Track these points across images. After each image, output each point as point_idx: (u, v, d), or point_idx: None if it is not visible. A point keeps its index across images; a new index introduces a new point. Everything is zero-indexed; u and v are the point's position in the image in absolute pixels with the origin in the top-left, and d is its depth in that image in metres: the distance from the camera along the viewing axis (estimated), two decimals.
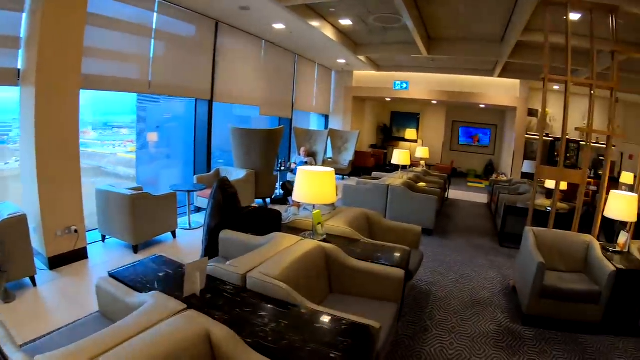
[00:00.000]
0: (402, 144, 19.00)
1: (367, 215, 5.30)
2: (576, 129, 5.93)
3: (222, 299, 2.70)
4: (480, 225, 9.16)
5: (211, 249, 4.44)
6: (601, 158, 14.62)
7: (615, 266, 4.35)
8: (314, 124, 16.07)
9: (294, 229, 4.42)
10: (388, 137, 19.35)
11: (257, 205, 5.02)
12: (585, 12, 5.96)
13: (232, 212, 4.58)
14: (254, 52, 10.53)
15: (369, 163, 15.41)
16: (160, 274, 3.04)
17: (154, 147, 9.25)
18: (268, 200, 9.40)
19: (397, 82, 14.74)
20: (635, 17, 6.36)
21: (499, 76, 12.83)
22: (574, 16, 6.82)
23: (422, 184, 9.03)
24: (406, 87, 14.58)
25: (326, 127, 15.73)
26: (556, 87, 13.91)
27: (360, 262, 3.72)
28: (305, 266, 3.36)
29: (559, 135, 14.84)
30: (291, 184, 9.83)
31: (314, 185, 3.96)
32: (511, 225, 7.65)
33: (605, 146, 14.01)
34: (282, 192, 10.05)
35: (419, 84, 14.67)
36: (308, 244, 3.67)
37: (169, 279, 2.97)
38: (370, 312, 3.12)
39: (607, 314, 4.40)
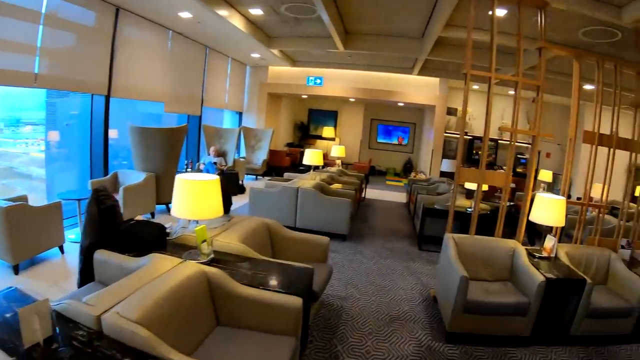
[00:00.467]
0: (319, 142, 18.51)
1: (268, 226, 4.57)
2: (501, 128, 5.50)
3: (72, 349, 2.10)
4: (399, 227, 8.70)
5: (86, 272, 3.56)
6: (519, 156, 14.80)
7: (544, 275, 4.03)
8: (227, 121, 15.13)
9: (181, 246, 3.62)
10: (305, 135, 18.78)
11: (140, 219, 4.15)
12: (512, 7, 5.58)
13: (109, 227, 3.72)
14: (159, 43, 9.58)
15: (284, 162, 14.72)
16: (7, 315, 2.30)
17: (58, 147, 8.37)
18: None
19: (310, 78, 14.14)
20: (563, 14, 6.13)
21: (419, 74, 12.60)
22: (500, 12, 6.49)
23: (336, 185, 8.47)
24: (320, 83, 14.01)
25: (240, 125, 14.91)
26: (476, 87, 13.91)
27: (250, 289, 2.98)
28: (180, 299, 2.65)
29: (477, 134, 14.98)
30: None
31: (195, 197, 3.23)
32: (430, 228, 7.25)
33: (525, 145, 14.23)
34: None
35: (336, 81, 14.15)
36: (187, 269, 2.95)
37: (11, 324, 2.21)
38: (260, 353, 2.67)
39: (537, 325, 4.11)
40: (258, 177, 13.65)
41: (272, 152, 14.82)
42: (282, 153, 14.97)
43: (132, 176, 7.45)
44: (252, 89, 14.90)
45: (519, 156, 14.84)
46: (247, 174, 13.35)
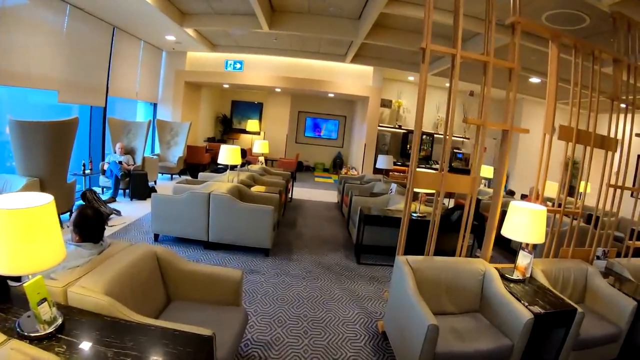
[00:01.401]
0: (243, 136, 17.13)
1: (158, 258, 3.23)
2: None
3: None
4: (332, 235, 7.57)
5: None
6: (455, 151, 14.13)
7: (530, 310, 3.10)
8: (141, 114, 13.47)
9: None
10: (228, 129, 17.34)
11: None
12: None
13: None
14: (52, 19, 7.90)
15: (204, 159, 13.26)
16: None
17: None
18: (64, 217, 6.95)
19: (229, 62, 12.70)
20: None
21: (352, 62, 11.52)
22: None
23: (258, 188, 7.24)
24: (240, 68, 12.60)
25: (154, 117, 13.29)
26: (411, 78, 13.04)
27: None
28: None
29: (412, 128, 14.12)
30: (95, 193, 7.53)
31: (13, 238, 1.85)
32: (369, 236, 6.18)
33: (460, 139, 13.49)
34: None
35: (260, 69, 12.82)
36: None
37: None
38: None
39: None
40: (174, 176, 12.15)
41: (190, 149, 13.34)
42: (202, 149, 13.48)
43: (12, 182, 5.94)
44: (168, 78, 13.24)
45: (455, 150, 14.17)
46: (162, 174, 11.84)
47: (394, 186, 7.67)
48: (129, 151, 9.98)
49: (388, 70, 12.47)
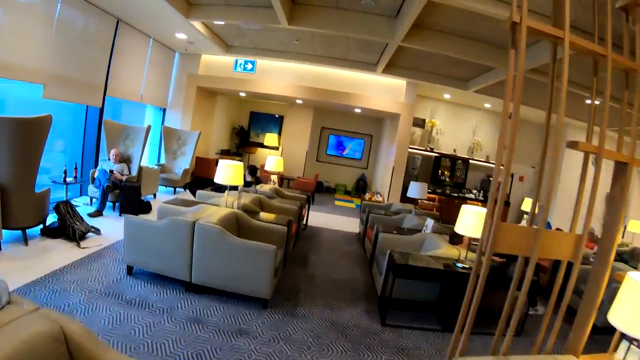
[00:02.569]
0: (260, 150, 15.85)
1: (67, 342, 1.85)
2: (575, 145, 2.82)
3: None
4: (351, 279, 6.12)
5: None
6: (492, 179, 12.60)
7: None
8: (150, 120, 12.28)
9: None
10: (244, 141, 16.08)
11: None
12: None
13: None
14: (44, 5, 6.83)
15: (213, 174, 11.93)
16: None
17: None
18: (35, 231, 5.72)
19: (239, 62, 11.28)
20: None
21: (383, 72, 10.11)
22: None
23: (264, 216, 5.87)
24: (252, 70, 11.16)
25: (162, 123, 12.09)
26: (447, 96, 11.64)
27: None
28: None
29: (445, 151, 12.72)
30: (70, 206, 6.29)
31: None
32: (400, 288, 4.78)
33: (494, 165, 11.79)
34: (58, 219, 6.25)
35: (280, 76, 11.51)
36: None
37: None
38: None
39: None
40: (178, 190, 10.88)
41: (199, 161, 12.11)
42: (211, 162, 12.20)
43: None
44: (179, 81, 12.04)
45: (491, 179, 12.65)
46: (165, 186, 10.58)
47: (430, 222, 6.21)
48: (125, 159, 8.75)
49: (422, 86, 11.07)
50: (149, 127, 8.83)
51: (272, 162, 8.42)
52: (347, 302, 5.16)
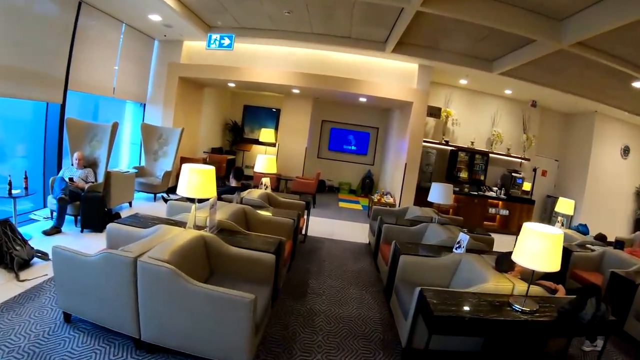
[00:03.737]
0: (256, 147, 14.45)
1: None
2: None
3: None
4: (363, 315, 4.69)
5: None
6: (514, 175, 11.23)
7: None
8: (130, 117, 10.86)
9: None
10: (238, 138, 14.67)
11: None
12: None
13: None
14: None
15: None
16: None
17: None
18: None
19: (212, 37, 8.93)
20: None
21: (394, 52, 8.53)
22: None
23: (245, 239, 4.37)
24: (229, 46, 8.83)
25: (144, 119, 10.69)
26: (463, 82, 10.21)
27: None
28: None
29: (461, 144, 11.26)
30: (9, 225, 5.07)
31: None
32: (432, 339, 3.36)
33: (518, 159, 10.57)
34: None
35: (272, 62, 10.08)
36: None
37: None
38: None
39: None
40: (160, 195, 9.58)
41: (185, 162, 10.69)
42: (198, 162, 10.81)
43: None
44: (159, 72, 10.61)
45: (513, 175, 11.25)
46: (144, 192, 9.21)
47: (464, 238, 4.76)
48: (91, 163, 7.43)
49: (436, 70, 9.57)
50: (115, 125, 7.44)
51: (262, 162, 7.01)
52: (357, 351, 3.78)
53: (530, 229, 3.32)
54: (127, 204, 8.33)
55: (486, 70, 8.51)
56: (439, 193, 6.22)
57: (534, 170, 11.93)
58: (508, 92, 10.76)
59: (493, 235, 6.62)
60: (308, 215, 7.39)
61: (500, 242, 6.86)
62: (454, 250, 4.84)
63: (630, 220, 12.08)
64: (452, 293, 3.57)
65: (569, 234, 7.56)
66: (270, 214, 5.60)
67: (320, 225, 8.70)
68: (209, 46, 8.28)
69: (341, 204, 12.06)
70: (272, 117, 14.53)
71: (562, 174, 12.17)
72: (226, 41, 8.12)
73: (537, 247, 3.21)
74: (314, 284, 5.40)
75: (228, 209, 4.91)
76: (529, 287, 3.47)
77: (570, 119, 11.94)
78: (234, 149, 14.53)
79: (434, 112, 10.41)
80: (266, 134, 13.46)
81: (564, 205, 7.95)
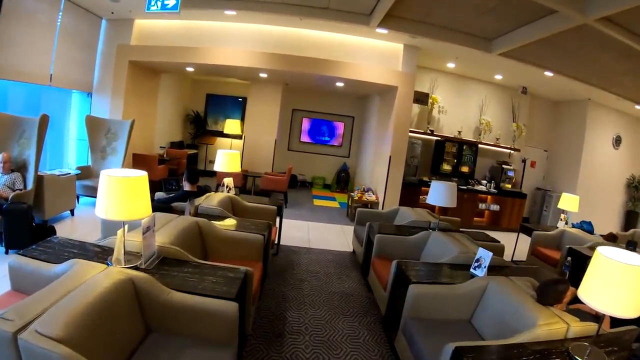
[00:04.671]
0: (221, 140, 13.17)
1: None
2: None
3: None
4: (358, 356, 3.62)
5: None
6: (504, 167, 10.29)
7: None
8: (76, 109, 9.45)
9: None
10: (201, 130, 13.35)
11: None
12: None
13: None
14: None
15: (155, 174, 9.24)
16: None
17: None
18: None
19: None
20: None
21: (380, 26, 7.12)
22: None
23: (192, 281, 3.00)
24: (174, 8, 6.46)
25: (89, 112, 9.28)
26: (451, 65, 9.16)
27: None
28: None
29: (447, 134, 10.19)
30: None
31: None
32: None
33: (507, 150, 9.75)
34: None
35: (237, 41, 8.73)
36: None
37: None
38: None
39: None
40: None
41: (137, 159, 9.41)
42: (152, 159, 9.48)
43: None
44: (107, 56, 9.16)
45: (504, 167, 10.29)
46: (90, 196, 7.89)
47: (485, 256, 3.67)
48: (20, 166, 6.10)
49: (423, 53, 8.46)
50: (43, 118, 6.10)
51: (223, 159, 5.77)
52: None
53: (609, 258, 2.24)
54: (69, 212, 7.05)
55: (484, 50, 7.37)
56: (441, 194, 5.08)
57: (523, 161, 11.01)
58: (498, 77, 9.75)
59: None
60: (280, 221, 6.20)
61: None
62: (471, 270, 3.76)
63: (620, 212, 11.38)
64: (498, 349, 2.47)
65: (575, 234, 6.67)
66: (234, 228, 4.39)
67: (295, 230, 7.55)
68: (148, 9, 6.64)
69: (316, 202, 10.91)
70: (237, 106, 13.23)
71: (551, 165, 11.33)
72: (170, 1, 6.54)
73: (619, 283, 2.17)
74: (293, 316, 4.23)
75: (176, 226, 3.67)
76: (597, 333, 2.41)
77: (560, 107, 11.10)
78: (196, 143, 13.21)
79: (421, 98, 9.24)
80: (231, 125, 12.18)
81: (567, 202, 7.05)
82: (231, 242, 4.17)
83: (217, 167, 5.78)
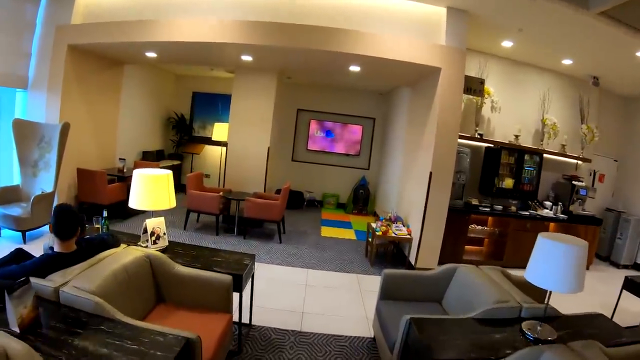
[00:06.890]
0: (209, 149, 10.74)
1: None
2: None
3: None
4: None
5: None
6: (576, 183, 7.65)
7: None
8: (8, 110, 7.06)
9: None
10: (186, 137, 10.91)
11: None
12: None
13: None
14: None
15: (104, 197, 6.84)
16: None
17: None
18: None
19: None
20: None
21: None
22: None
23: None
24: None
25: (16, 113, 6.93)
26: (507, 44, 6.57)
27: None
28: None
29: (499, 138, 7.55)
30: None
31: None
32: None
33: (574, 160, 8.07)
34: None
35: (210, 8, 6.18)
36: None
37: None
38: None
39: None
40: (36, 233, 5.97)
41: (83, 175, 7.02)
42: (100, 176, 6.98)
43: None
44: (45, 43, 6.78)
45: (574, 183, 7.65)
46: (9, 228, 5.70)
47: None
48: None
49: (475, 20, 5.84)
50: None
51: (139, 187, 3.25)
52: None
53: None
54: None
55: (580, 7, 4.75)
56: (557, 266, 2.46)
57: (592, 174, 8.37)
58: (567, 62, 7.10)
59: None
60: (240, 303, 3.52)
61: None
62: None
63: None
64: None
65: None
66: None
67: (282, 291, 4.98)
68: None
69: (324, 230, 8.28)
70: (229, 107, 10.73)
71: (622, 179, 8.67)
72: None
73: None
74: None
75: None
76: None
77: (634, 105, 8.48)
78: (180, 152, 10.78)
79: (474, 85, 6.41)
80: (220, 130, 9.54)
81: None
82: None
83: (134, 203, 3.26)
